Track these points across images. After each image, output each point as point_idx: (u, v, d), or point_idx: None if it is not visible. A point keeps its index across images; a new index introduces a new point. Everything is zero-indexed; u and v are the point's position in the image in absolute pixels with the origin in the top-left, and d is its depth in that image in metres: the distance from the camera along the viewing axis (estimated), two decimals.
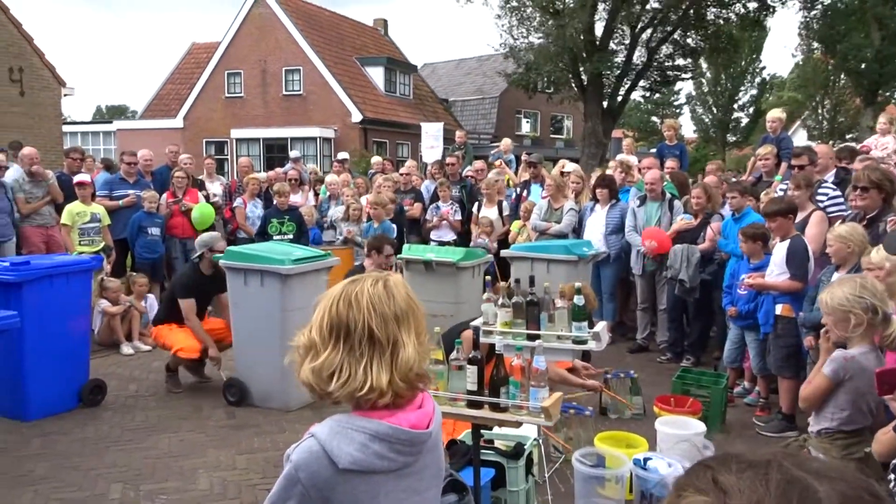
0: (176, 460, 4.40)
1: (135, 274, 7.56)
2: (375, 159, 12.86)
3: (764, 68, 40.75)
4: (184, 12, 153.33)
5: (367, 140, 22.80)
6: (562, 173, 8.49)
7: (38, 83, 13.87)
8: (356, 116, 22.68)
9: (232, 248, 5.68)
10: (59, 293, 5.12)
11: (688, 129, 38.67)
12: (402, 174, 9.78)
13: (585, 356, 5.89)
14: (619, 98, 20.21)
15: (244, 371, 5.44)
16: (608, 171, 8.25)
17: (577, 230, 7.47)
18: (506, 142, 11.93)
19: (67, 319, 5.20)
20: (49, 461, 4.34)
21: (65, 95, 14.73)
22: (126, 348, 6.90)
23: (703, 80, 35.79)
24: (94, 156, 13.47)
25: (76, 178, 7.61)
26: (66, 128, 19.07)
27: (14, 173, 7.55)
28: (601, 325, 3.68)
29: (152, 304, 7.32)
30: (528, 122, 33.09)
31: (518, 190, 8.95)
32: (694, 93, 37.71)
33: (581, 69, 19.06)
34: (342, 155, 12.67)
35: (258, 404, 5.36)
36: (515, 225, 8.06)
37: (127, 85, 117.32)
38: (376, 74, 25.39)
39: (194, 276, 5.78)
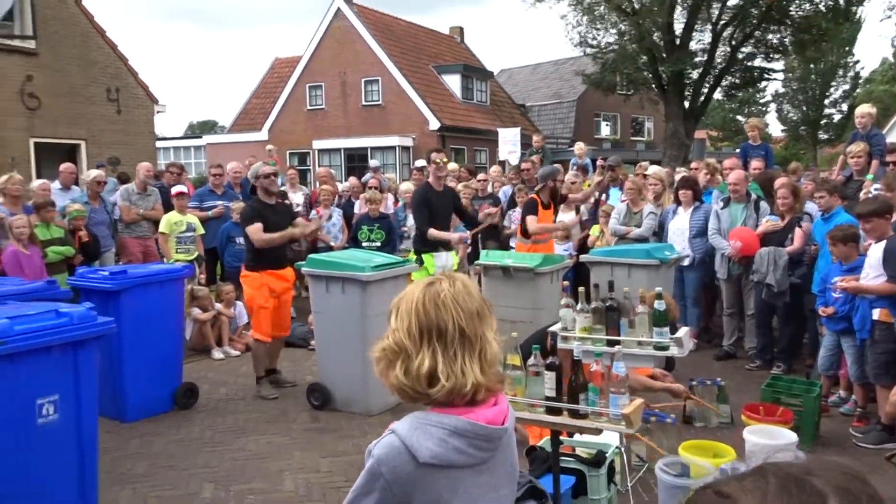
0: (263, 462, 4.54)
1: (223, 282, 7.88)
2: (452, 166, 12.93)
3: (858, 62, 38.65)
4: (268, 27, 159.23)
5: (445, 147, 22.98)
6: (643, 176, 8.31)
7: (133, 102, 14.67)
8: (434, 124, 22.91)
9: (314, 255, 5.83)
10: (154, 301, 5.38)
11: (775, 128, 37.11)
12: (479, 180, 9.80)
13: (669, 363, 5.76)
14: (702, 98, 19.60)
15: (327, 375, 5.58)
16: (690, 173, 8.02)
17: (658, 234, 7.28)
18: (580, 146, 11.77)
19: (161, 325, 5.45)
20: (146, 460, 4.57)
21: (157, 112, 15.51)
22: (216, 353, 7.20)
23: (791, 77, 34.23)
24: (187, 170, 14.18)
25: (174, 189, 7.97)
26: (159, 143, 20.11)
27: (113, 186, 8.03)
28: (683, 331, 3.58)
29: (241, 311, 7.60)
30: (607, 125, 32.53)
31: (596, 194, 8.81)
32: (781, 90, 36.14)
33: (660, 69, 18.61)
34: (420, 163, 12.80)
35: (341, 408, 5.47)
36: (595, 229, 7.93)
37: (215, 100, 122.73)
38: (453, 82, 25.58)
39: (255, 204, 5.84)
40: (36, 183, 7.77)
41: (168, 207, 7.87)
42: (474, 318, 1.57)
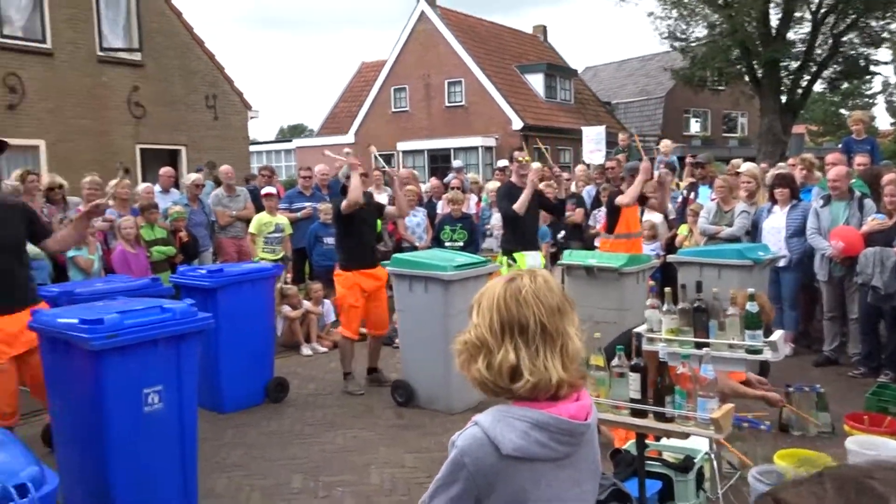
0: (350, 455, 4.67)
1: (311, 281, 8.13)
2: (535, 165, 12.85)
3: None
4: (355, 32, 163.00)
5: (528, 147, 22.85)
6: (736, 173, 8.00)
7: (229, 108, 15.36)
8: (517, 124, 22.83)
9: (397, 255, 5.94)
10: (248, 298, 5.62)
11: (883, 121, 34.84)
12: (567, 178, 9.70)
13: (764, 368, 5.53)
14: (800, 91, 18.67)
15: (411, 373, 5.67)
16: (787, 170, 7.66)
17: (751, 233, 7.00)
18: (666, 143, 11.44)
19: (254, 322, 5.69)
20: (241, 450, 4.79)
21: (251, 118, 16.19)
22: (305, 350, 7.44)
23: None
24: (277, 173, 14.75)
25: (263, 191, 8.29)
26: (252, 148, 20.97)
27: (210, 189, 8.45)
28: (778, 334, 3.44)
29: (329, 309, 7.84)
30: (697, 121, 31.49)
31: (684, 192, 8.55)
32: (893, 79, 33.95)
33: (755, 62, 17.84)
34: (502, 163, 12.80)
35: (424, 406, 5.55)
36: (683, 229, 7.71)
37: (305, 105, 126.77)
38: (536, 81, 25.42)
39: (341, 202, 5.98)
40: (141, 186, 8.26)
41: (261, 209, 8.20)
42: (555, 314, 1.57)
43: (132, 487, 3.43)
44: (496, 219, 8.89)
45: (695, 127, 31.21)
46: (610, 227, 7.00)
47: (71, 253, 6.15)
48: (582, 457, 1.62)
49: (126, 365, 3.36)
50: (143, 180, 11.16)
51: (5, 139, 4.02)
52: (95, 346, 3.22)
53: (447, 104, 24.65)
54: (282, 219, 8.11)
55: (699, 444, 3.50)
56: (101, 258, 6.52)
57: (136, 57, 13.51)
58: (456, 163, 12.54)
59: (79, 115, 12.63)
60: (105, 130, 13.05)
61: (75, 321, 3.35)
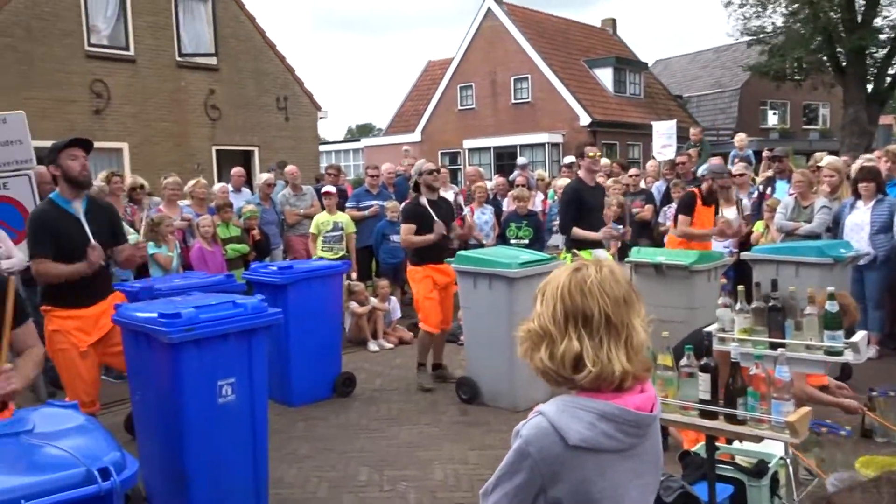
0: (415, 450, 4.72)
1: (378, 278, 8.24)
2: (604, 161, 12.66)
3: None
4: (422, 31, 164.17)
5: (597, 142, 22.52)
6: (815, 168, 7.66)
7: (299, 109, 15.74)
8: (584, 119, 22.52)
9: (462, 252, 5.96)
10: (316, 294, 5.75)
11: None
12: (631, 175, 9.53)
13: (845, 371, 5.28)
14: (888, 79, 17.71)
15: (475, 370, 5.68)
16: (871, 163, 7.28)
17: (832, 230, 6.68)
18: (740, 136, 11.06)
19: (323, 317, 5.81)
20: (310, 443, 4.90)
21: (320, 118, 16.54)
22: (372, 345, 7.55)
23: None
24: (345, 171, 15.03)
25: (322, 190, 8.38)
26: (321, 147, 21.42)
27: (280, 188, 8.68)
28: (861, 335, 3.27)
29: (395, 305, 7.93)
30: (775, 113, 30.27)
31: (760, 187, 8.25)
32: None
33: (838, 50, 17.02)
34: (568, 159, 12.65)
35: (488, 403, 5.55)
36: (758, 225, 7.43)
37: (372, 104, 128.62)
38: (604, 75, 25.00)
39: (413, 204, 6.06)
40: (217, 186, 8.56)
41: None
42: (620, 305, 1.55)
43: (206, 474, 3.56)
44: None
45: (772, 119, 30.01)
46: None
47: (151, 250, 6.44)
48: (646, 448, 1.60)
49: (201, 357, 3.49)
50: (219, 180, 11.57)
51: (90, 139, 4.25)
52: (173, 339, 3.36)
53: (513, 101, 24.53)
54: (341, 217, 8.09)
55: (774, 449, 3.37)
56: (179, 255, 6.79)
57: (212, 61, 14.01)
58: (521, 160, 12.48)
59: (159, 119, 13.21)
60: (183, 133, 13.60)
61: (154, 315, 3.51)
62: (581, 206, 6.00)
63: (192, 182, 7.56)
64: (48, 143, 4.29)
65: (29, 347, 2.83)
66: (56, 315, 3.99)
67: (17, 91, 10.81)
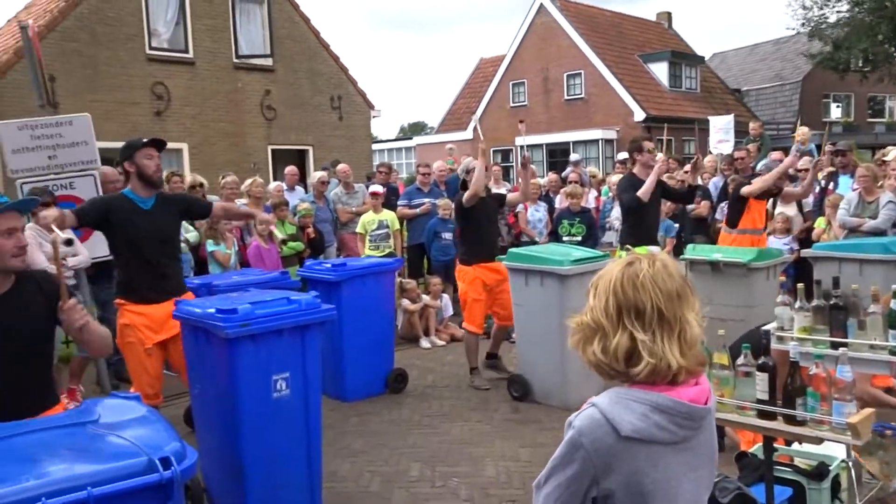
0: (466, 447, 4.74)
1: (430, 275, 8.29)
2: (660, 156, 12.42)
3: None
4: (474, 28, 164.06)
5: (652, 138, 22.12)
6: (882, 162, 7.37)
7: (353, 108, 15.93)
8: (639, 115, 22.15)
9: (513, 249, 5.94)
10: (369, 291, 5.81)
11: None
12: (685, 171, 9.31)
13: None
14: None
15: (526, 367, 5.66)
16: None
17: None
18: (802, 130, 10.67)
19: (375, 314, 5.87)
20: (363, 438, 4.97)
21: (373, 117, 16.71)
22: (424, 342, 7.60)
23: None
24: (398, 170, 15.16)
25: (369, 189, 8.45)
26: (374, 146, 21.64)
27: (334, 186, 8.81)
28: None
29: (447, 303, 7.96)
30: (838, 106, 29.20)
31: (822, 182, 7.97)
32: None
33: None
34: (622, 155, 12.46)
35: (539, 400, 5.53)
36: (820, 221, 7.20)
37: (425, 102, 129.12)
38: (660, 70, 24.52)
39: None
40: (272, 185, 8.73)
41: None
42: (673, 300, 1.54)
43: (262, 467, 3.65)
44: (616, 212, 8.69)
45: (836, 112, 28.94)
46: (732, 220, 6.64)
47: (210, 248, 6.62)
48: (700, 442, 1.59)
49: (257, 352, 3.58)
50: (274, 179, 11.81)
51: (164, 140, 4.42)
52: (230, 334, 3.45)
53: (566, 97, 24.29)
54: (386, 215, 8.11)
55: (836, 451, 3.27)
56: (237, 253, 6.97)
57: (268, 62, 14.30)
58: (573, 156, 12.35)
59: (217, 119, 13.56)
60: (240, 133, 13.93)
61: (212, 311, 3.61)
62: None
63: (248, 181, 7.74)
64: (111, 145, 4.47)
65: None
66: (128, 309, 4.14)
67: (83, 94, 11.24)
